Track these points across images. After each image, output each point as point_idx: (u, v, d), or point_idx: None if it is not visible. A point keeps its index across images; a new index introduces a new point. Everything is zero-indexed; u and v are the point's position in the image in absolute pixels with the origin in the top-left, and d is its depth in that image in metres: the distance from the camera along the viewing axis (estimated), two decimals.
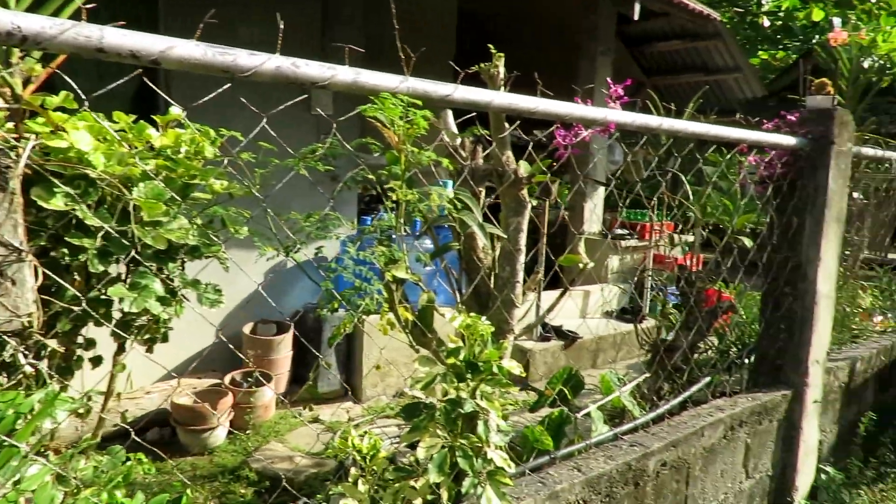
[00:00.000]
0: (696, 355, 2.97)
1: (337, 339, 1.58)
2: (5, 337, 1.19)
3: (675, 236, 3.68)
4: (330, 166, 1.71)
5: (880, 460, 3.52)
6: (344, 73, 1.26)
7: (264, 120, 1.21)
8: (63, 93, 1.24)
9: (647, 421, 2.31)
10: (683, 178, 2.86)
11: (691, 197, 3.10)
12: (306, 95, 1.40)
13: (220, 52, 1.08)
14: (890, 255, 6.74)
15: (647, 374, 2.93)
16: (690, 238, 3.78)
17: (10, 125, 1.11)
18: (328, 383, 4.57)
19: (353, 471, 1.77)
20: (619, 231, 6.57)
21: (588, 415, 2.25)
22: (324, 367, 4.42)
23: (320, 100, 4.62)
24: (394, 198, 1.48)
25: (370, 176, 1.60)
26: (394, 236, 1.55)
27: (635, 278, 6.06)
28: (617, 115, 1.93)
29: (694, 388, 2.62)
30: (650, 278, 5.45)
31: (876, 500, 3.30)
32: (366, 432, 1.84)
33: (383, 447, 1.83)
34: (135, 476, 1.59)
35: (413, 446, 1.66)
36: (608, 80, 2.31)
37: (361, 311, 1.49)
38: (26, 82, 1.14)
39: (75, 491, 1.49)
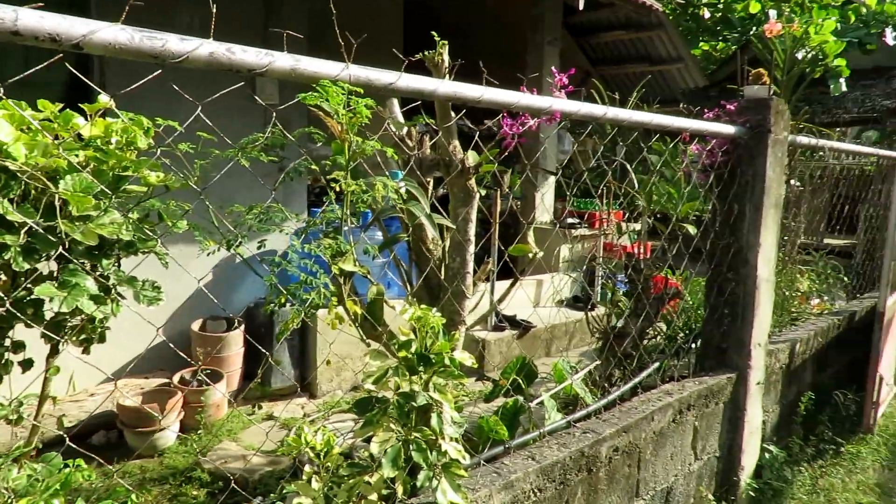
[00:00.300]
0: (645, 341, 3.03)
1: (285, 334, 1.54)
2: None
3: (623, 225, 3.75)
4: (275, 157, 1.66)
5: (819, 438, 3.69)
6: (282, 60, 1.22)
7: (199, 108, 1.16)
8: None
9: (600, 407, 2.34)
10: (629, 167, 2.91)
11: (637, 185, 3.15)
12: (243, 83, 1.35)
13: (149, 37, 1.02)
14: (825, 240, 7.06)
15: (599, 362, 2.97)
16: (638, 226, 3.85)
17: None
18: (282, 379, 4.48)
19: (307, 468, 1.74)
20: (570, 220, 6.66)
21: (542, 403, 2.27)
22: (272, 363, 4.33)
23: (265, 88, 4.50)
24: (337, 188, 1.44)
25: (314, 166, 1.56)
26: (343, 228, 1.51)
27: (585, 266, 6.16)
28: (562, 104, 1.94)
29: (643, 374, 2.68)
30: (600, 266, 5.55)
31: (816, 475, 3.45)
32: (320, 428, 1.80)
33: (339, 442, 1.81)
34: (77, 482, 1.52)
35: (369, 441, 1.64)
36: (553, 69, 2.32)
37: (309, 305, 1.45)
38: None
39: (8, 501, 1.41)
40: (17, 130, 1.17)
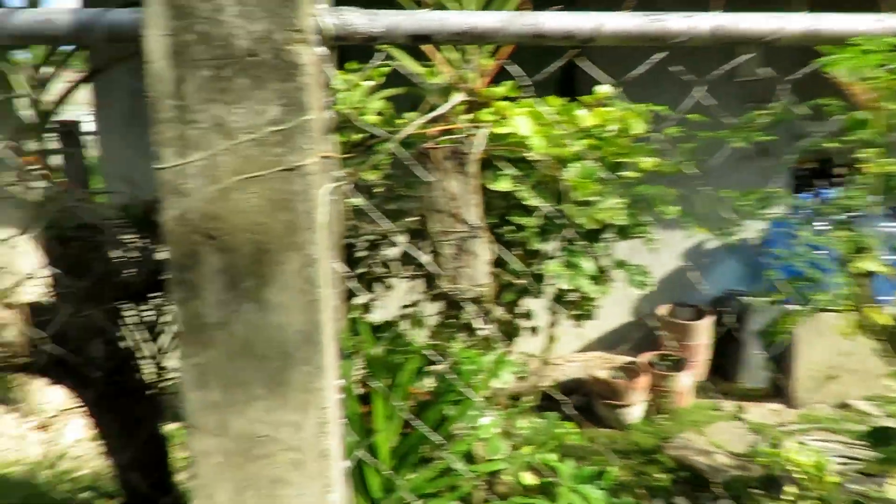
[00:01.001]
0: None
1: (776, 337, 1.37)
2: (466, 303, 1.39)
3: None
4: (767, 137, 1.49)
5: None
6: (796, 22, 1.05)
7: (702, 90, 1.10)
8: (506, 83, 1.37)
9: None
10: None
11: None
12: (753, 55, 1.23)
13: (652, 20, 1.01)
14: None
15: None
16: None
17: (469, 116, 1.28)
18: (752, 379, 4.16)
19: (789, 488, 1.55)
20: None
21: None
22: (743, 361, 4.02)
23: (747, 61, 4.15)
24: (866, 169, 1.18)
25: (826, 144, 1.32)
26: (862, 218, 1.25)
27: None
28: None
29: None
30: None
31: None
32: (804, 445, 1.58)
33: (828, 467, 1.55)
34: (565, 440, 1.70)
35: (873, 475, 1.35)
36: None
37: (814, 307, 1.25)
38: (479, 76, 1.28)
39: (516, 446, 1.66)
40: (535, 125, 1.33)
